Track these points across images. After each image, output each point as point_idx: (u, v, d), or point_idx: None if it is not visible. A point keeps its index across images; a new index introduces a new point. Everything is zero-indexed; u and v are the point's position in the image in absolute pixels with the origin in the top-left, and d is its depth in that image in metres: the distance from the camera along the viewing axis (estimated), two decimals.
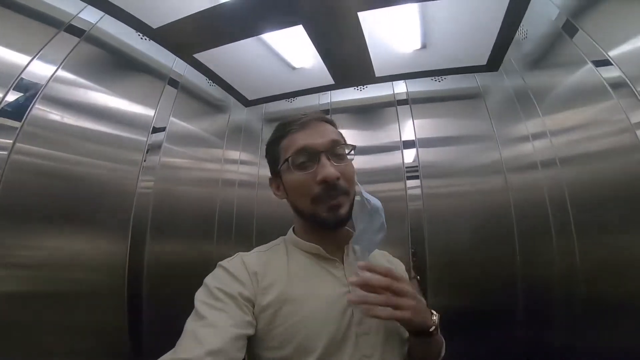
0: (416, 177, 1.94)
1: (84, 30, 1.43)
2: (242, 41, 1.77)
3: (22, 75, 1.17)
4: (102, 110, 1.45)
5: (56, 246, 1.21)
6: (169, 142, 1.75)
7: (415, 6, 1.54)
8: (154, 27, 1.65)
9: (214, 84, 2.16)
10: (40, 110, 1.20)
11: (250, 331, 0.66)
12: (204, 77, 2.10)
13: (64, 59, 1.31)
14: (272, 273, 0.75)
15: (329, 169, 0.72)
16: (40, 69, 1.23)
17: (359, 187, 0.78)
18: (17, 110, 1.14)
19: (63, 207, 1.24)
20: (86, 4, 1.45)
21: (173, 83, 1.86)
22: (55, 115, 1.26)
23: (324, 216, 0.74)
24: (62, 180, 1.25)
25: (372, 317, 0.67)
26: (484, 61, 1.93)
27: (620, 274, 1.16)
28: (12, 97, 1.13)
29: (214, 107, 2.21)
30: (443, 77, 2.10)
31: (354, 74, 2.11)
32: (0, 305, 1.03)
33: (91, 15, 1.48)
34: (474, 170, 1.91)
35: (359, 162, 0.81)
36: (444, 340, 0.79)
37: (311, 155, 0.75)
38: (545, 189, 1.58)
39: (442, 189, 1.94)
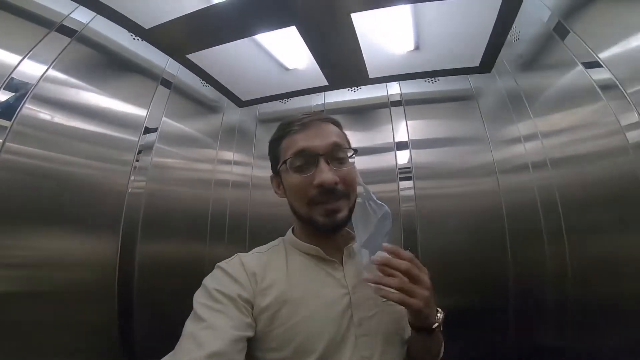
0: (409, 179, 1.96)
1: (76, 31, 1.44)
2: (235, 42, 1.78)
3: (13, 75, 1.18)
4: (93, 110, 1.45)
5: (45, 246, 1.22)
6: (161, 143, 1.76)
7: (407, 7, 1.55)
8: (147, 27, 1.66)
9: (208, 85, 2.17)
10: (30, 109, 1.21)
11: (249, 333, 0.66)
12: (197, 78, 2.10)
13: (55, 59, 1.32)
14: (271, 274, 0.75)
15: (326, 174, 0.72)
16: (30, 69, 1.24)
17: (368, 191, 0.79)
18: (7, 110, 1.15)
19: (53, 206, 1.24)
20: (78, 5, 1.46)
21: (166, 83, 1.87)
22: (46, 114, 1.27)
23: (321, 220, 0.75)
24: (52, 180, 1.25)
25: (382, 298, 0.68)
26: (476, 63, 1.95)
27: (610, 275, 1.17)
28: (2, 96, 1.14)
29: (207, 107, 2.23)
30: (436, 78, 2.12)
31: (347, 75, 2.12)
32: None
33: (83, 16, 1.48)
34: (467, 171, 1.93)
35: None
36: (443, 341, 0.79)
37: (310, 158, 0.75)
38: (536, 190, 1.60)
39: (435, 190, 1.95)
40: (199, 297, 0.69)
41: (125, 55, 1.68)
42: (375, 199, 0.78)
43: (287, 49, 1.87)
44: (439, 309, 0.71)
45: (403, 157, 2.02)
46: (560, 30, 1.35)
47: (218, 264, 0.77)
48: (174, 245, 1.82)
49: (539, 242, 1.54)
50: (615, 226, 1.14)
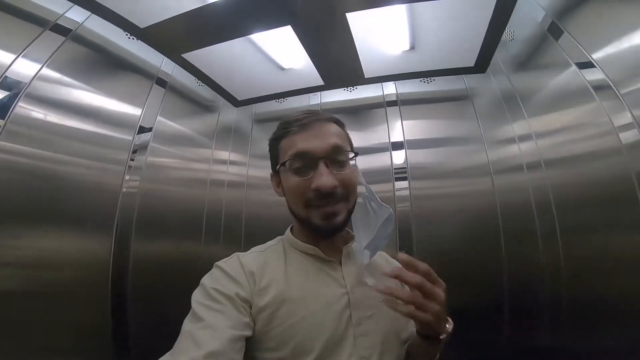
0: (404, 179, 1.97)
1: (70, 30, 1.45)
2: (231, 41, 1.79)
3: (6, 74, 1.19)
4: (88, 109, 1.46)
5: (38, 245, 1.22)
6: (156, 142, 1.76)
7: (403, 7, 1.57)
8: (142, 26, 1.67)
9: (203, 84, 2.18)
10: (23, 108, 1.21)
11: (248, 332, 0.66)
12: (193, 77, 2.11)
13: (49, 58, 1.33)
14: (270, 274, 0.75)
15: (325, 178, 0.71)
16: (24, 68, 1.25)
17: (370, 191, 0.79)
18: (0, 109, 1.15)
19: (45, 206, 1.25)
20: (73, 4, 1.47)
21: (161, 83, 1.87)
22: (39, 113, 1.27)
23: (318, 223, 0.74)
24: (45, 179, 1.26)
25: (392, 309, 0.67)
26: (471, 63, 1.96)
27: (603, 274, 1.18)
28: None
29: (203, 107, 2.24)
30: (432, 78, 2.14)
31: (343, 74, 2.14)
32: None
33: (78, 15, 1.49)
34: (462, 172, 1.95)
35: None
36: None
37: (309, 161, 0.73)
38: (530, 190, 1.61)
39: (430, 190, 1.97)
40: (197, 297, 0.69)
41: (120, 55, 1.69)
42: (378, 199, 0.78)
43: (282, 48, 1.88)
44: (449, 318, 0.69)
45: (398, 157, 2.03)
46: (554, 30, 1.36)
47: (216, 263, 0.77)
48: (169, 245, 1.82)
49: (533, 242, 1.55)
50: (608, 226, 1.15)
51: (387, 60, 1.96)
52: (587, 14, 1.25)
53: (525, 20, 1.54)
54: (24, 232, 1.18)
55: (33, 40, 1.29)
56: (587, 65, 1.20)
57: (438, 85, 2.14)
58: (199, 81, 2.15)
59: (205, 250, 2.02)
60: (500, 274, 1.71)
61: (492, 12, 1.57)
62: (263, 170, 2.27)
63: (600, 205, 1.18)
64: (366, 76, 2.12)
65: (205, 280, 0.73)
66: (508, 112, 1.77)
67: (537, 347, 1.54)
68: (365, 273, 0.75)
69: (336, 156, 0.75)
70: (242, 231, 2.17)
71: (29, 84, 1.24)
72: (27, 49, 1.27)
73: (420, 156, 2.03)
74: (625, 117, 1.04)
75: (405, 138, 2.06)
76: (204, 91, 2.22)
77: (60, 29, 1.40)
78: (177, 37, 1.77)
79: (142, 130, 1.69)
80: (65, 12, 1.44)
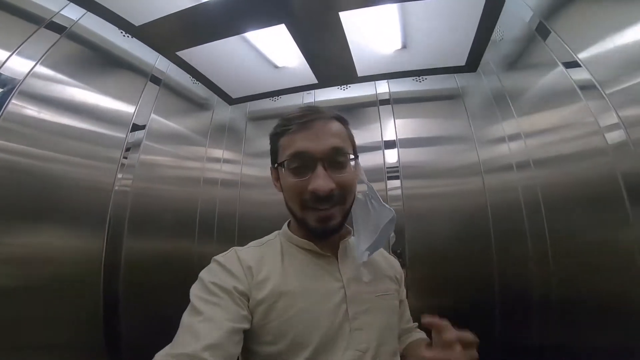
0: (397, 178, 1.99)
1: (65, 27, 1.46)
2: (225, 39, 1.82)
3: (0, 71, 1.20)
4: (81, 106, 1.47)
5: (29, 242, 1.23)
6: (149, 140, 1.78)
7: (394, 7, 1.60)
8: (137, 24, 1.70)
9: (198, 82, 2.21)
10: (17, 106, 1.23)
11: (246, 325, 0.67)
12: (188, 75, 2.14)
13: (43, 55, 1.34)
14: (267, 268, 0.76)
15: (322, 181, 0.70)
16: (18, 65, 1.26)
17: (372, 189, 0.80)
18: None
19: (37, 203, 1.26)
20: (68, 2, 1.49)
21: (155, 80, 1.89)
22: (33, 111, 1.29)
23: (313, 225, 0.75)
24: (36, 176, 1.27)
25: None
26: (462, 62, 2.00)
27: (591, 274, 1.21)
28: None
29: (197, 105, 2.26)
30: (424, 77, 2.17)
31: (336, 73, 2.17)
32: None
33: (73, 13, 1.51)
34: (453, 171, 1.97)
35: None
36: None
37: (306, 162, 0.73)
38: (520, 190, 1.63)
39: (422, 190, 1.99)
40: (195, 290, 0.70)
41: (115, 52, 1.70)
42: (379, 198, 0.79)
43: (276, 46, 1.90)
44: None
45: (390, 156, 2.05)
46: (541, 30, 1.38)
47: (214, 257, 0.78)
48: (162, 244, 1.83)
49: (523, 241, 1.58)
50: (595, 226, 1.17)
51: (379, 59, 1.99)
52: (574, 14, 1.26)
53: (514, 20, 1.57)
54: (15, 229, 1.18)
55: (28, 38, 1.31)
56: (573, 65, 1.22)
57: (430, 84, 2.17)
58: (193, 79, 2.17)
59: (198, 249, 2.03)
60: (491, 273, 1.74)
61: (481, 11, 1.60)
62: (257, 169, 2.30)
63: (587, 205, 1.20)
64: (359, 75, 2.16)
65: (204, 274, 0.74)
66: (498, 112, 1.80)
67: (527, 345, 1.56)
68: (362, 269, 0.77)
69: (335, 158, 0.74)
70: (235, 230, 2.18)
71: (23, 81, 1.25)
72: (21, 46, 1.28)
73: (413, 155, 2.05)
74: (611, 118, 1.05)
75: (398, 137, 2.09)
76: (198, 89, 2.24)
77: (55, 27, 1.42)
78: (171, 35, 1.80)
79: (135, 128, 1.70)
80: (60, 10, 1.46)
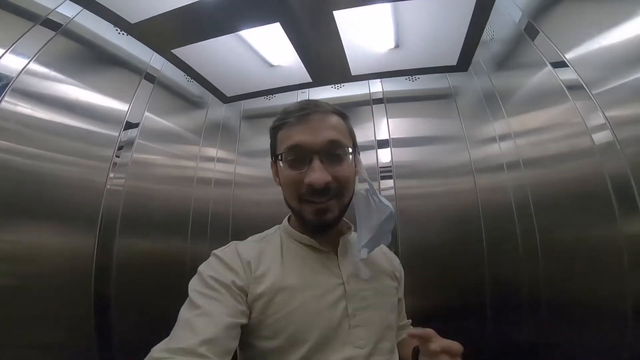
0: (390, 177, 2.02)
1: (61, 24, 1.47)
2: (220, 38, 1.85)
3: None
4: (74, 104, 1.47)
5: (20, 240, 1.23)
6: (142, 138, 1.78)
7: (388, 6, 1.63)
8: (132, 22, 1.72)
9: (192, 80, 2.22)
10: (9, 103, 1.23)
11: (243, 320, 0.69)
12: (182, 73, 2.15)
13: (37, 53, 1.35)
14: (266, 262, 0.77)
15: (317, 174, 0.71)
16: (12, 62, 1.27)
17: (372, 186, 0.80)
18: None
19: (28, 201, 1.26)
20: None
21: (149, 78, 1.90)
22: (26, 108, 1.29)
23: (309, 218, 0.76)
24: (28, 174, 1.27)
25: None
26: (454, 61, 2.04)
27: (579, 273, 1.23)
28: None
29: (191, 103, 2.27)
30: (417, 76, 2.20)
31: (330, 72, 2.20)
32: None
33: (69, 10, 1.52)
34: (445, 170, 2.00)
35: None
36: None
37: (303, 155, 0.74)
38: (510, 190, 1.67)
39: (414, 189, 2.01)
40: (193, 284, 0.71)
41: (109, 50, 1.71)
42: (379, 195, 0.80)
43: (271, 45, 1.93)
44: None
45: (383, 156, 2.07)
46: (530, 30, 1.41)
47: (214, 251, 0.79)
48: (154, 243, 1.83)
49: (513, 242, 1.61)
50: (583, 226, 1.19)
51: (373, 58, 2.03)
52: (561, 14, 1.29)
53: (504, 20, 1.60)
54: (6, 228, 1.18)
55: (23, 35, 1.32)
56: (561, 65, 1.24)
57: (423, 84, 2.20)
58: (187, 77, 2.19)
59: (191, 248, 2.03)
60: (483, 272, 1.77)
61: (472, 11, 1.64)
62: (251, 168, 2.31)
63: (575, 204, 1.22)
64: (353, 74, 2.19)
65: (202, 268, 0.75)
66: (489, 111, 1.83)
67: (519, 344, 1.59)
68: (361, 266, 0.79)
69: (332, 151, 0.75)
70: (229, 230, 2.19)
71: (16, 78, 1.26)
72: (16, 44, 1.28)
73: (405, 155, 2.07)
74: (598, 118, 1.08)
75: (391, 136, 2.11)
76: (193, 87, 2.25)
77: (50, 24, 1.43)
78: (167, 32, 1.82)
79: (129, 126, 1.71)
80: (56, 7, 1.47)
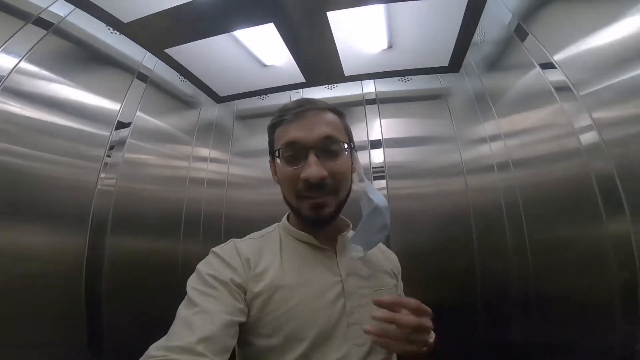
0: (382, 178, 2.04)
1: (53, 24, 1.47)
2: (213, 37, 1.87)
3: None
4: (65, 103, 1.47)
5: (10, 240, 1.22)
6: (134, 138, 1.78)
7: (381, 7, 1.66)
8: (125, 21, 1.73)
9: (185, 80, 2.23)
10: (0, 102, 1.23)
11: (242, 318, 0.69)
12: (175, 73, 2.16)
13: (28, 52, 1.35)
14: (265, 260, 0.77)
15: (313, 169, 0.72)
16: (3, 61, 1.27)
17: (365, 182, 0.80)
18: None
19: (18, 201, 1.26)
20: None
21: (142, 77, 1.90)
22: (16, 107, 1.28)
23: (306, 214, 0.77)
24: (18, 174, 1.27)
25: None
26: (445, 62, 2.08)
27: (567, 272, 1.26)
28: None
29: (184, 102, 2.27)
30: (409, 77, 2.24)
31: (324, 72, 2.23)
32: None
33: (61, 9, 1.53)
34: (437, 171, 2.03)
35: None
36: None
37: (299, 151, 0.75)
38: (500, 190, 1.70)
39: (407, 190, 2.04)
40: (192, 282, 0.72)
41: (102, 49, 1.71)
42: (369, 192, 0.79)
43: (265, 45, 1.95)
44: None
45: (376, 156, 2.10)
46: (520, 32, 1.44)
47: (212, 249, 0.80)
48: (147, 244, 1.83)
49: (503, 241, 1.65)
50: (571, 226, 1.22)
51: (366, 58, 2.06)
52: (550, 16, 1.31)
53: (495, 22, 1.63)
54: None
55: (14, 34, 1.32)
56: (549, 66, 1.27)
57: (415, 85, 2.23)
58: (180, 77, 2.20)
59: (183, 249, 2.04)
60: (474, 272, 1.80)
61: (463, 12, 1.67)
62: (244, 169, 2.33)
63: (563, 204, 1.25)
64: (346, 74, 2.22)
65: (201, 266, 0.76)
66: (480, 112, 1.87)
67: (510, 343, 1.61)
68: (360, 264, 0.80)
69: (327, 146, 0.76)
70: (221, 230, 2.20)
71: (7, 77, 1.26)
72: (7, 43, 1.28)
73: (397, 155, 2.10)
74: (585, 119, 1.10)
75: (384, 137, 2.14)
76: (186, 87, 2.26)
77: (42, 23, 1.43)
78: (160, 32, 1.84)
79: (120, 125, 1.70)
80: (49, 6, 1.47)
